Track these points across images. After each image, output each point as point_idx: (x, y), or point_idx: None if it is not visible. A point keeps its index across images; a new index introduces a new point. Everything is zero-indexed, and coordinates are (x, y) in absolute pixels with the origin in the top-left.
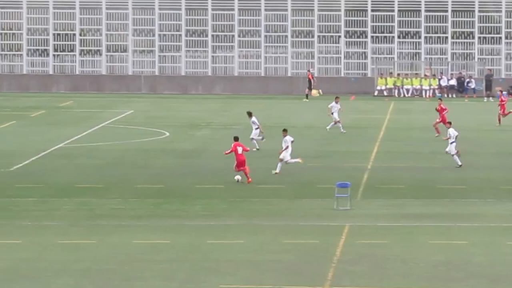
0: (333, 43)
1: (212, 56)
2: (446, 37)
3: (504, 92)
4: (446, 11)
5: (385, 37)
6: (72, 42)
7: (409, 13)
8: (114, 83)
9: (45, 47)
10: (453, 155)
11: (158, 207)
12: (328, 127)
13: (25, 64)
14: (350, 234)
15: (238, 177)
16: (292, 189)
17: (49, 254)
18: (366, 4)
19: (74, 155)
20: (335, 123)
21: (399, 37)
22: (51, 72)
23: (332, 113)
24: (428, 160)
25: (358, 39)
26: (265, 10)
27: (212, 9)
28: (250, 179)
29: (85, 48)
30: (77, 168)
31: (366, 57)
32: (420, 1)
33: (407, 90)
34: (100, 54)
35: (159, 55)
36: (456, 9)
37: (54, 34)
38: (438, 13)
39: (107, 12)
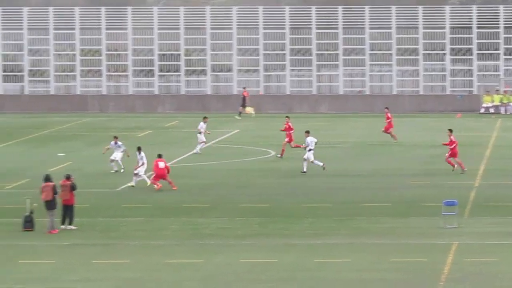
0: (438, 60)
1: (317, 75)
2: None
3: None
4: None
5: (491, 54)
6: (177, 62)
7: None
8: (219, 102)
9: (151, 68)
10: (312, 161)
11: (264, 226)
12: (198, 150)
13: (130, 85)
14: (458, 252)
15: (155, 185)
16: (398, 207)
17: (156, 274)
18: (471, 21)
19: (179, 175)
20: (204, 143)
21: (505, 54)
22: (156, 93)
23: (200, 133)
24: None
25: (464, 57)
26: (370, 28)
27: (317, 28)
28: (175, 186)
29: (190, 68)
30: (183, 187)
31: (471, 75)
32: None
33: None
34: (205, 74)
35: (263, 74)
36: None
37: (159, 55)
38: None
39: (212, 32)
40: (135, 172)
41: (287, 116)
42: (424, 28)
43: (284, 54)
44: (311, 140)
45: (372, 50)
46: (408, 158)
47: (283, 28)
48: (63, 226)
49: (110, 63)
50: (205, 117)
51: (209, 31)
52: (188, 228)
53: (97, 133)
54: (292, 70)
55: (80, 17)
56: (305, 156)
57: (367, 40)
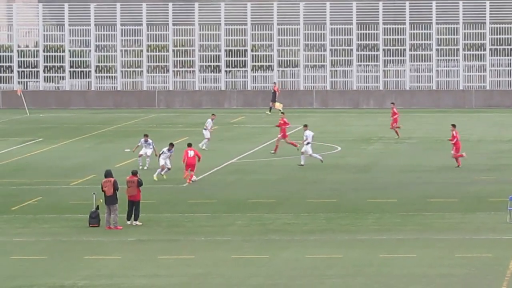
0: (506, 55)
1: (384, 70)
2: None
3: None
4: None
5: None
6: (244, 58)
7: None
8: (286, 98)
9: (217, 63)
10: (310, 155)
11: (330, 221)
12: (202, 145)
13: (197, 81)
14: None
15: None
16: (464, 203)
17: (222, 270)
18: None
19: (246, 170)
20: (208, 140)
21: None
22: (223, 88)
23: (205, 129)
24: None
25: None
26: (437, 23)
27: (384, 23)
28: (190, 181)
29: (256, 63)
30: (250, 183)
31: None
32: None
33: None
34: (272, 70)
35: (330, 69)
36: None
37: (226, 50)
38: None
39: (279, 27)
40: (302, 151)
41: (282, 112)
42: (491, 23)
43: (351, 49)
44: (309, 133)
45: (439, 45)
46: (475, 154)
47: (350, 24)
48: (128, 222)
49: (177, 59)
50: (213, 114)
51: (276, 27)
52: (254, 224)
53: (164, 129)
54: (359, 65)
55: (147, 12)
56: (303, 150)
57: (434, 35)
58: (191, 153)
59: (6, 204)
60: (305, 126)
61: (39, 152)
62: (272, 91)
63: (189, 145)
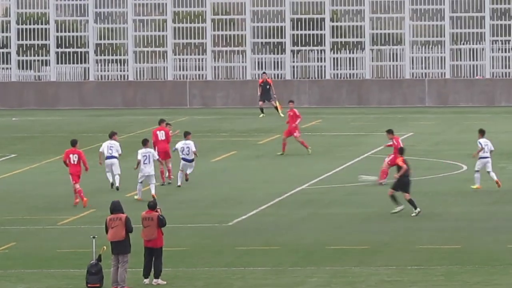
0: None
1: None
2: None
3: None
4: None
5: None
6: (319, 32)
7: None
8: (384, 91)
9: (280, 40)
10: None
11: (452, 278)
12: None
13: (249, 66)
14: None
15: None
16: None
17: None
18: None
19: (324, 201)
20: None
21: None
22: (288, 77)
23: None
24: None
25: None
26: None
27: None
28: (77, 201)
29: (339, 39)
30: (329, 221)
31: None
32: None
33: None
34: (362, 49)
35: (450, 48)
36: None
37: (292, 20)
38: None
39: None
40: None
41: (168, 124)
42: None
43: (483, 17)
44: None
45: None
46: None
47: None
48: (146, 281)
49: (218, 33)
50: (114, 133)
51: None
52: (337, 282)
53: (200, 139)
54: (494, 41)
55: None
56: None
57: None
58: (74, 158)
59: None
60: (188, 134)
61: (12, 174)
62: (262, 84)
63: (73, 143)
